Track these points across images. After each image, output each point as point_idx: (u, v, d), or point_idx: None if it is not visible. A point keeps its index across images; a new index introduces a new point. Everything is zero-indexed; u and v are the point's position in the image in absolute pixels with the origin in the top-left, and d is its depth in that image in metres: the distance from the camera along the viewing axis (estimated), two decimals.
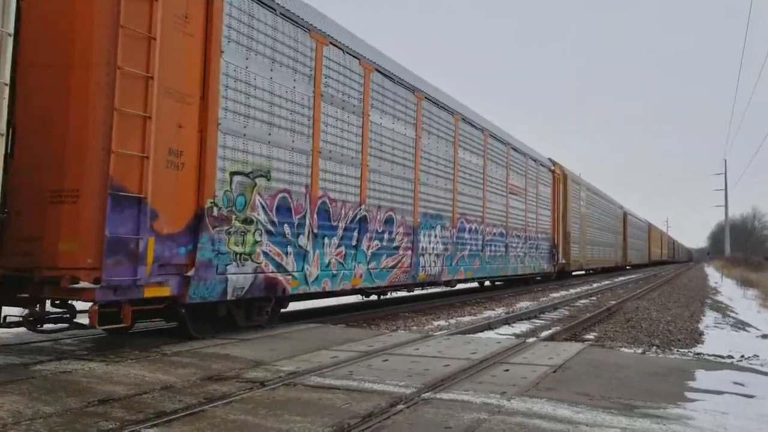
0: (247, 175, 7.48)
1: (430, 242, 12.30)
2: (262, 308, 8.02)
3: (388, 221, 10.85)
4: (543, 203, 21.21)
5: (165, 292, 6.39)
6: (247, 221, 7.48)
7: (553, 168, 22.81)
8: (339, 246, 9.35)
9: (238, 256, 7.29)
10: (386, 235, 10.75)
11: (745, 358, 8.12)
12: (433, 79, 13.81)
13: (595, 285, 24.62)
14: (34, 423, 3.68)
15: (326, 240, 8.99)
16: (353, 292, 10.66)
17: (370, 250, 10.23)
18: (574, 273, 29.41)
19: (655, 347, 8.81)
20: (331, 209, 9.12)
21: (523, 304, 14.83)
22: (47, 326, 6.26)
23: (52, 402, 4.14)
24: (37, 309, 6.03)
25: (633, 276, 36.35)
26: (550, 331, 10.03)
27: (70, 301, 6.12)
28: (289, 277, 8.17)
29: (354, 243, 9.76)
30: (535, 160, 20.52)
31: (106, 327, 6.36)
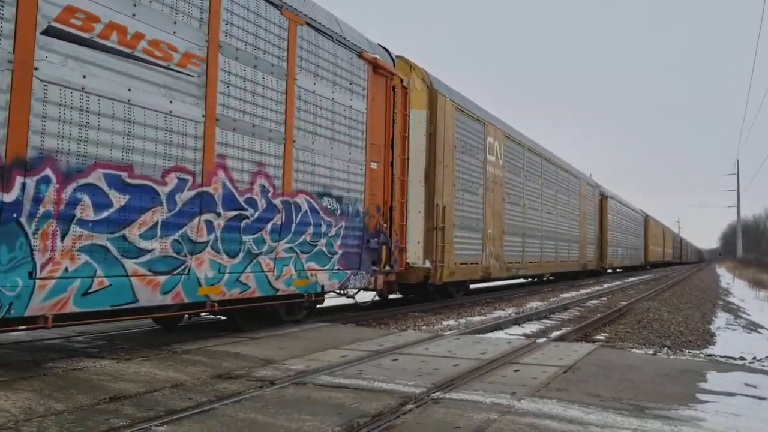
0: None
1: None
2: None
3: None
4: (335, 127, 8.75)
5: None
6: None
7: (376, 59, 9.67)
8: None
9: None
10: None
11: (758, 360, 8.06)
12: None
13: (605, 286, 24.48)
14: (46, 420, 3.71)
15: None
16: None
17: None
18: (474, 286, 17.51)
19: (666, 348, 8.76)
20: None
21: (534, 305, 14.79)
22: None
23: (63, 399, 4.17)
24: None
25: (644, 277, 36.09)
26: (561, 332, 9.99)
27: None
28: None
29: None
30: (293, 8, 8.01)
31: None
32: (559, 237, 22.33)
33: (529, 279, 22.57)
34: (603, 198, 31.61)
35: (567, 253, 23.43)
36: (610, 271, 36.55)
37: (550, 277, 24.55)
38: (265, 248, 7.35)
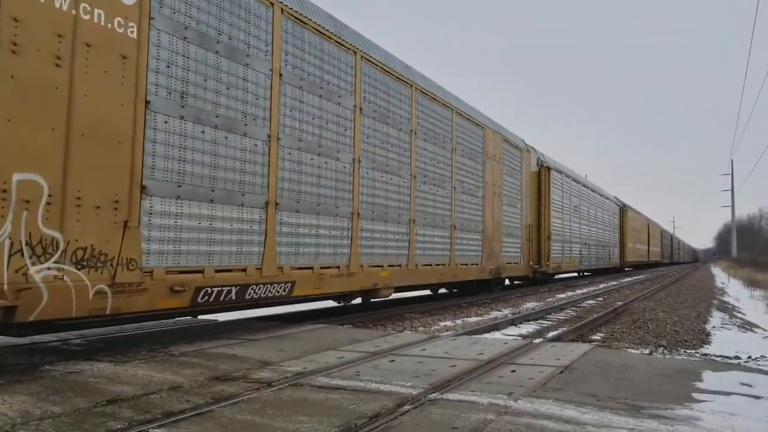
0: None
1: None
2: None
3: None
4: None
5: None
6: None
7: None
8: None
9: None
10: None
11: (753, 359, 8.10)
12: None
13: (601, 286, 24.53)
14: (43, 423, 3.70)
15: None
16: None
17: None
18: None
19: (662, 348, 8.79)
20: None
21: (530, 305, 14.81)
22: None
23: (60, 402, 4.17)
24: None
25: (639, 277, 36.17)
26: (557, 332, 10.01)
27: None
28: None
29: None
30: None
31: None
32: (425, 220, 12.29)
33: (340, 303, 11.23)
34: (543, 169, 20.86)
35: (446, 250, 13.24)
36: (561, 276, 27.25)
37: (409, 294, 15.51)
38: None
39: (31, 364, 5.55)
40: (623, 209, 39.37)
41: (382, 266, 10.68)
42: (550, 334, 9.76)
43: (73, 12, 5.58)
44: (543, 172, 20.86)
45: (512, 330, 10.47)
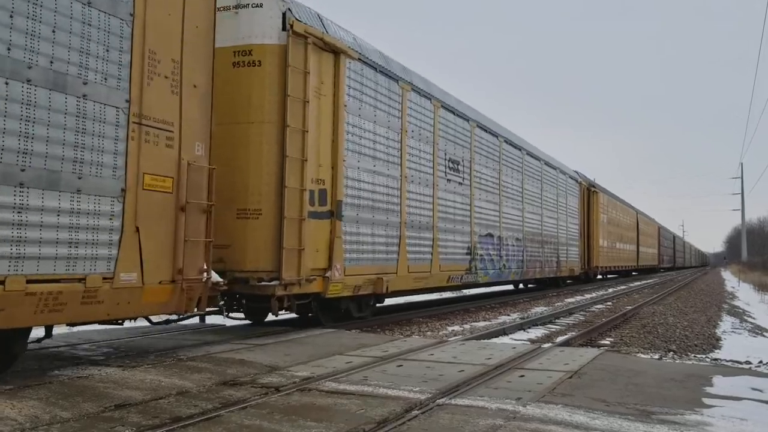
0: None
1: None
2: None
3: None
4: None
5: None
6: None
7: None
8: None
9: None
10: None
11: (764, 364, 8.04)
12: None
13: (610, 290, 24.42)
14: (52, 428, 3.71)
15: None
16: None
17: None
18: None
19: (671, 353, 8.74)
20: None
21: (538, 309, 14.76)
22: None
23: (68, 407, 4.17)
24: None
25: (649, 281, 35.96)
26: (566, 337, 9.97)
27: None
28: None
29: None
30: None
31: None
32: None
33: None
34: (293, 37, 7.97)
35: None
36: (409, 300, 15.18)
37: None
38: None
39: (39, 369, 5.56)
40: (590, 190, 26.59)
41: None
42: (559, 339, 9.73)
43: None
44: (293, 46, 8.14)
45: (521, 335, 10.43)
